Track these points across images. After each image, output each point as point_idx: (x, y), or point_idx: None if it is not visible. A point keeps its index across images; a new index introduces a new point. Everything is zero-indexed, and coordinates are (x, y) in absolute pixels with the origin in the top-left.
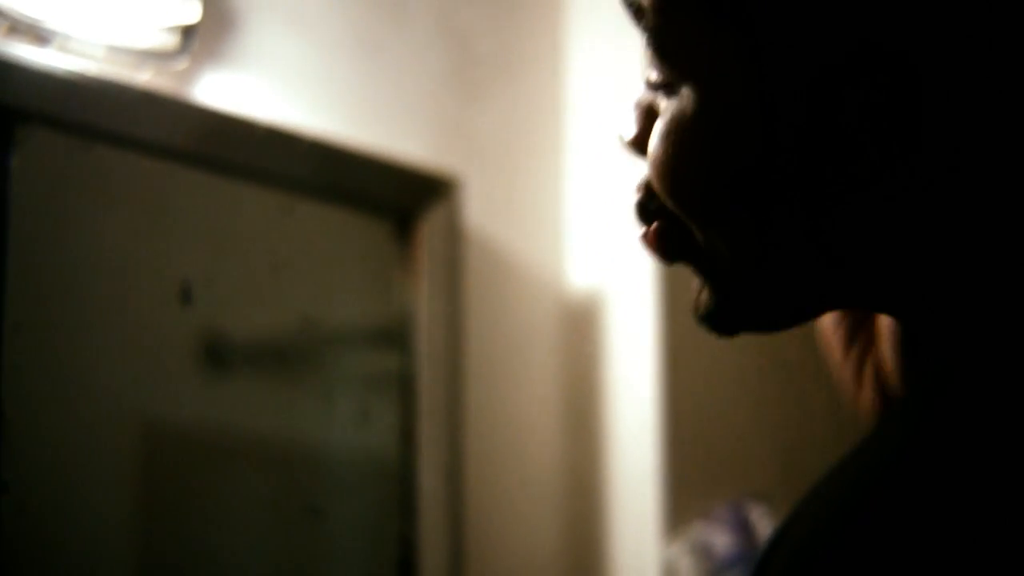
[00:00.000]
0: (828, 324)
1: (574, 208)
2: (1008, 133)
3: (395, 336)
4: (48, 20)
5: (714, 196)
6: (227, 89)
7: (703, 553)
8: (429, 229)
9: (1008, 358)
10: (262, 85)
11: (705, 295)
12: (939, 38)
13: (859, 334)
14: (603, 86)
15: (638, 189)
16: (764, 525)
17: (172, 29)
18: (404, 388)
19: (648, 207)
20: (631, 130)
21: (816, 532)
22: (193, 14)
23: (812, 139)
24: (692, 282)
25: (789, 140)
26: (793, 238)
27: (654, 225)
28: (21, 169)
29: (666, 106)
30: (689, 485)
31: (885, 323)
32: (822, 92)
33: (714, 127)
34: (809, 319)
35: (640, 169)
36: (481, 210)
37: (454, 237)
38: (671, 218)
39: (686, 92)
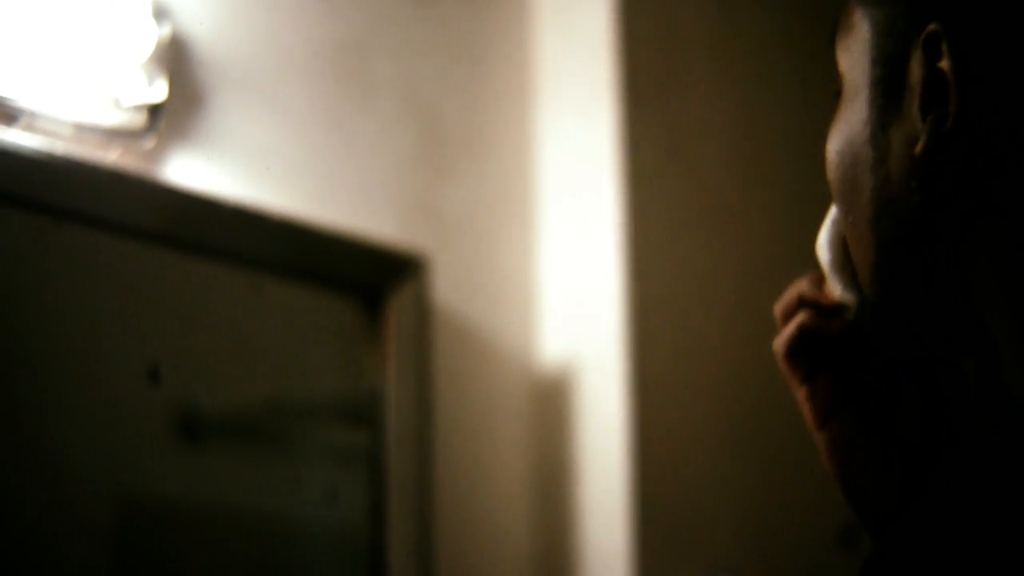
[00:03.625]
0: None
1: (543, 285)
2: None
3: (364, 414)
4: (15, 98)
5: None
6: (194, 168)
7: None
8: (398, 307)
9: None
10: (229, 164)
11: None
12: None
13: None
14: (572, 162)
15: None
16: None
17: (139, 108)
18: (373, 465)
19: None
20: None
21: None
22: (160, 93)
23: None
24: (663, 359)
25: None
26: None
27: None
28: None
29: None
30: (659, 560)
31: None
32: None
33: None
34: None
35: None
36: (450, 288)
37: (423, 315)
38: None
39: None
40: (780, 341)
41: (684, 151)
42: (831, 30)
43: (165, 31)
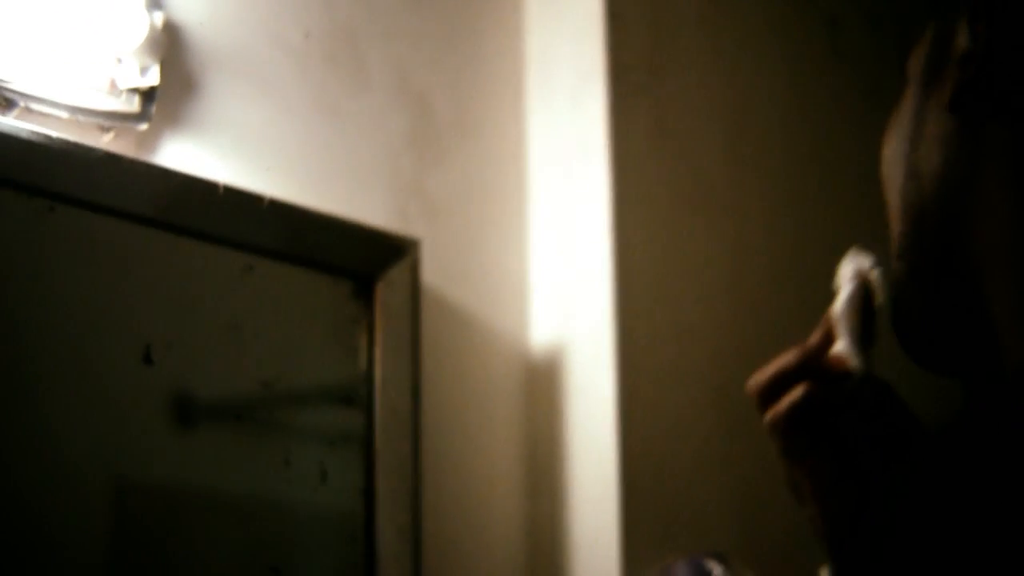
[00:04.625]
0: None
1: (534, 269)
2: None
3: (355, 396)
4: (10, 83)
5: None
6: (188, 153)
7: None
8: (389, 291)
9: None
10: (222, 148)
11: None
12: None
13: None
14: (562, 147)
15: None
16: None
17: (133, 93)
18: (364, 448)
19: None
20: None
21: None
22: (153, 78)
23: None
24: (653, 342)
25: None
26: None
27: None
28: None
29: None
30: (649, 541)
31: None
32: None
33: None
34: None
35: None
36: (442, 271)
37: (414, 298)
38: None
39: None
40: (781, 411)
41: (674, 135)
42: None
43: (159, 17)
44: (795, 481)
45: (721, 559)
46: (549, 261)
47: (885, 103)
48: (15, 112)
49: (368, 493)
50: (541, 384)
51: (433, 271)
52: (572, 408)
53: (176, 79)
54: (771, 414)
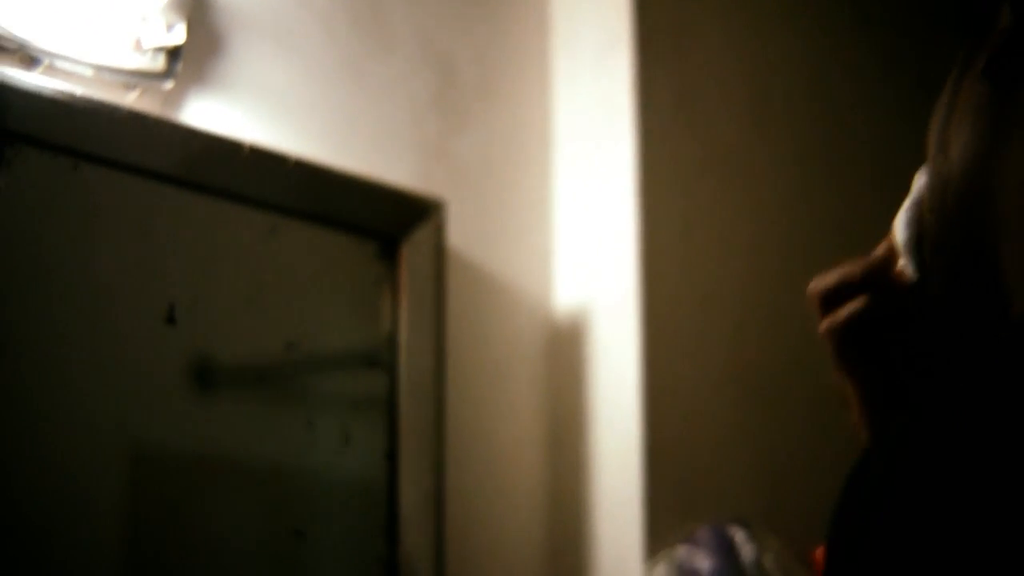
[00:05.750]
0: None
1: (560, 231)
2: None
3: (379, 358)
4: (35, 41)
5: None
6: (213, 111)
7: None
8: (413, 251)
9: None
10: (247, 108)
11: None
12: None
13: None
14: (587, 111)
15: None
16: (747, 549)
17: (158, 51)
18: (387, 410)
19: None
20: None
21: None
22: (179, 36)
23: None
24: (677, 308)
25: None
26: None
27: None
28: (8, 189)
29: None
30: (671, 505)
31: None
32: None
33: None
34: None
35: None
36: (466, 233)
37: (438, 259)
38: None
39: None
40: (838, 321)
41: (698, 101)
42: None
43: None
44: (843, 387)
45: (744, 525)
46: (574, 225)
47: (908, 70)
48: (39, 69)
49: (391, 456)
50: (564, 348)
51: (457, 233)
52: (595, 372)
53: (202, 38)
54: (827, 322)
